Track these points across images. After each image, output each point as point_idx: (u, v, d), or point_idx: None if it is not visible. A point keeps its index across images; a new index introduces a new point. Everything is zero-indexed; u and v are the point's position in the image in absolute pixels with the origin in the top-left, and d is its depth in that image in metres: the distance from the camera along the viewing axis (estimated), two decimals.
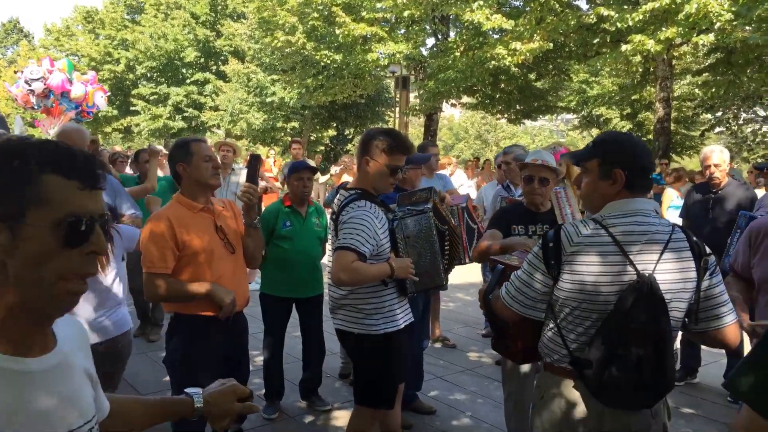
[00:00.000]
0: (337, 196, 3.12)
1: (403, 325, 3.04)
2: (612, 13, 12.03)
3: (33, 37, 48.64)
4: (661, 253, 1.97)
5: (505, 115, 21.63)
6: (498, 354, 3.41)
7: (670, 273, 1.97)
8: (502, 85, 19.02)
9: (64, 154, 1.03)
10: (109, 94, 15.41)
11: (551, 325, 2.09)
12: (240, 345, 3.22)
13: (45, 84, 12.98)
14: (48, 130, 12.89)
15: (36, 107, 13.31)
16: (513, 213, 3.53)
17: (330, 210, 4.64)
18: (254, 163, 3.12)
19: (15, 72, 18.52)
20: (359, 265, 2.77)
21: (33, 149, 1.01)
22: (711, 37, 11.81)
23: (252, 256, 3.22)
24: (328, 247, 3.27)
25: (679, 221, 5.17)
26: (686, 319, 2.07)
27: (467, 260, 4.01)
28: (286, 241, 4.31)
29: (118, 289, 3.13)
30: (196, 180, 2.99)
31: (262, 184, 6.59)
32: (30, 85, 12.92)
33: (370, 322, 2.95)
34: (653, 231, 2.00)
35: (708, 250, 2.06)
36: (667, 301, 1.92)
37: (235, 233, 3.11)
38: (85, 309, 2.90)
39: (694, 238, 2.06)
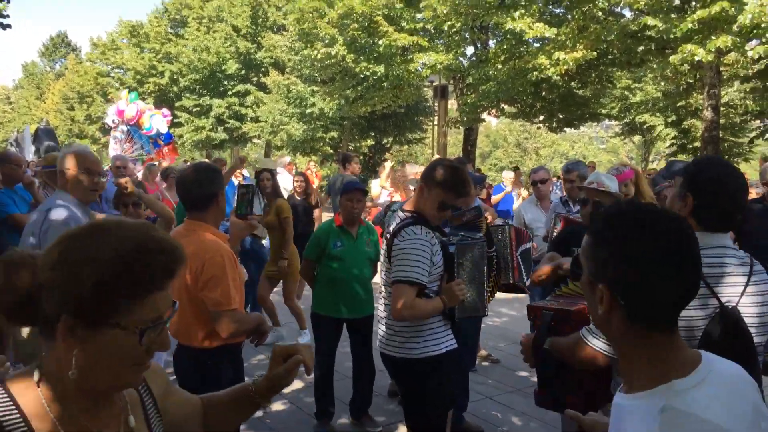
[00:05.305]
0: (393, 218, 3.12)
1: (444, 350, 2.99)
2: (659, 22, 11.76)
3: (80, 51, 50.30)
4: (745, 286, 1.92)
5: (546, 124, 21.37)
6: None
7: (755, 306, 1.93)
8: (544, 94, 18.81)
9: None
10: (169, 117, 15.04)
11: None
12: None
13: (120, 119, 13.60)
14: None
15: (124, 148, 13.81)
16: (574, 235, 3.47)
17: (381, 229, 4.60)
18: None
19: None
20: (418, 303, 2.82)
21: None
22: (764, 46, 11.47)
23: None
24: (380, 266, 3.28)
25: None
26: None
27: (520, 282, 3.89)
28: (337, 261, 4.33)
29: None
30: (223, 211, 3.00)
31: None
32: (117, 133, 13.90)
33: (411, 345, 2.94)
34: (735, 263, 1.96)
35: None
36: (753, 335, 1.88)
37: None
38: None
39: None
